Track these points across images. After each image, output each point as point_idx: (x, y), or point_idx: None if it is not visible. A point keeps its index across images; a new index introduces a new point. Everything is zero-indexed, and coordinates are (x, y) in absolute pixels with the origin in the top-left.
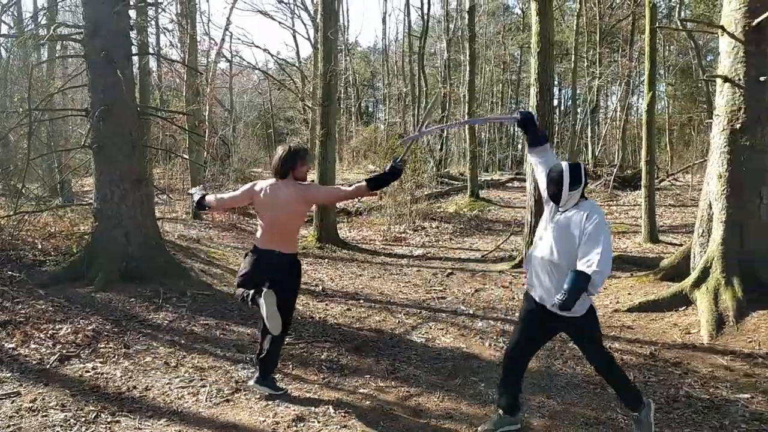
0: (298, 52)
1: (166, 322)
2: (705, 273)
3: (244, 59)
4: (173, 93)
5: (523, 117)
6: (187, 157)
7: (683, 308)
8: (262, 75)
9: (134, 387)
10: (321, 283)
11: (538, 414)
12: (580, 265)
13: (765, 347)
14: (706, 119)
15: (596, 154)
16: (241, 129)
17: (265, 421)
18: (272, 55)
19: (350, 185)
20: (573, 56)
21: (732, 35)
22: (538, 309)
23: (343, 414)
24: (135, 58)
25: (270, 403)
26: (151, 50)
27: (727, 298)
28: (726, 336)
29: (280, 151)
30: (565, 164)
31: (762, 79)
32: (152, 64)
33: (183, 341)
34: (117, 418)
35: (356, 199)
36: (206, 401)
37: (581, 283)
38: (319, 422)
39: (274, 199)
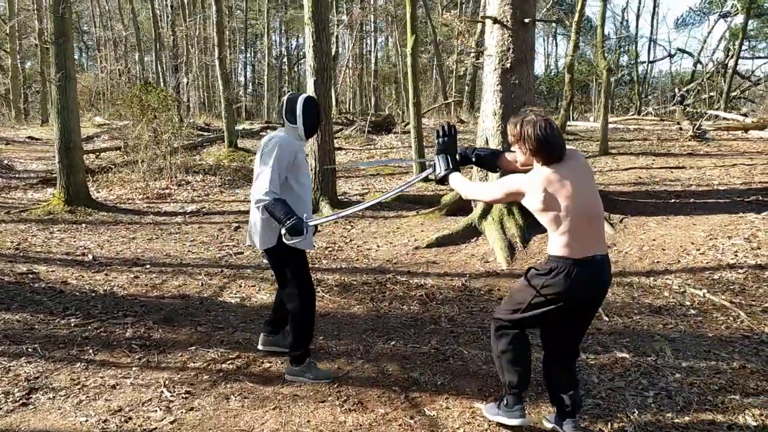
0: None
1: None
2: (489, 205)
3: None
4: None
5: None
6: None
7: (475, 239)
8: None
9: None
10: (88, 251)
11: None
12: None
13: None
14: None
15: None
16: None
17: (87, 420)
18: None
19: None
20: None
21: None
22: None
23: (183, 396)
24: None
25: (83, 398)
26: None
27: (511, 225)
28: (519, 260)
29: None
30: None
31: (526, 20)
32: None
33: None
34: None
35: (97, 154)
36: None
37: None
38: (160, 409)
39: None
